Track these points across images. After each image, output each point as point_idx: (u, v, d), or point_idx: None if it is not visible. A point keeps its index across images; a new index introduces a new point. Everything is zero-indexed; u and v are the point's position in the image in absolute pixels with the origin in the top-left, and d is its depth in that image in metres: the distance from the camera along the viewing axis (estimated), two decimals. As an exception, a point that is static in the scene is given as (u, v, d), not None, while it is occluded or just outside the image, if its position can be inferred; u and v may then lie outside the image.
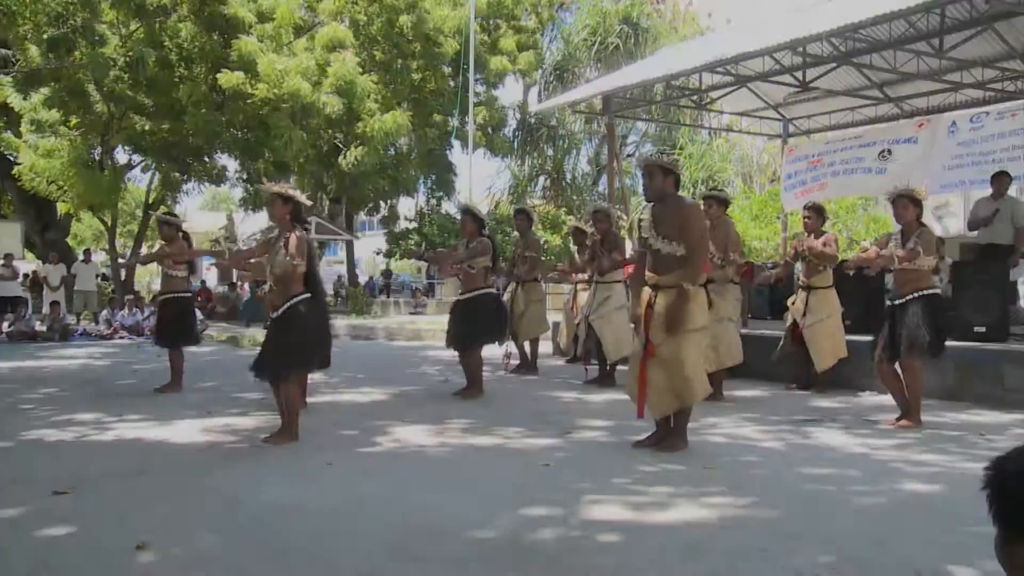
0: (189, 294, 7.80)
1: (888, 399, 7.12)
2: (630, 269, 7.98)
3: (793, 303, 7.54)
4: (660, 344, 4.75)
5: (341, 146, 19.83)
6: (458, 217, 23.19)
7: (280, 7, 17.19)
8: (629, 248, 7.99)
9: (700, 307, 4.81)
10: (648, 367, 4.78)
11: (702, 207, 6.85)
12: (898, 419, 5.87)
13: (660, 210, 4.83)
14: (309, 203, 5.40)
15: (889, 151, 11.64)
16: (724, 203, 7.09)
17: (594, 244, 8.02)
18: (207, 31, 16.72)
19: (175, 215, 8.15)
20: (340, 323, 15.99)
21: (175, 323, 7.49)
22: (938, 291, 5.86)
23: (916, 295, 5.71)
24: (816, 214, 7.36)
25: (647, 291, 4.89)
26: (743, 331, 8.60)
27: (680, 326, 4.69)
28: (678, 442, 4.91)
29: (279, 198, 5.24)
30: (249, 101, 16.57)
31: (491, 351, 10.19)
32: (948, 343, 7.20)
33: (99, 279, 19.15)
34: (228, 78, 15.93)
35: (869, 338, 7.71)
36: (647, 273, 4.91)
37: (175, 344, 7.52)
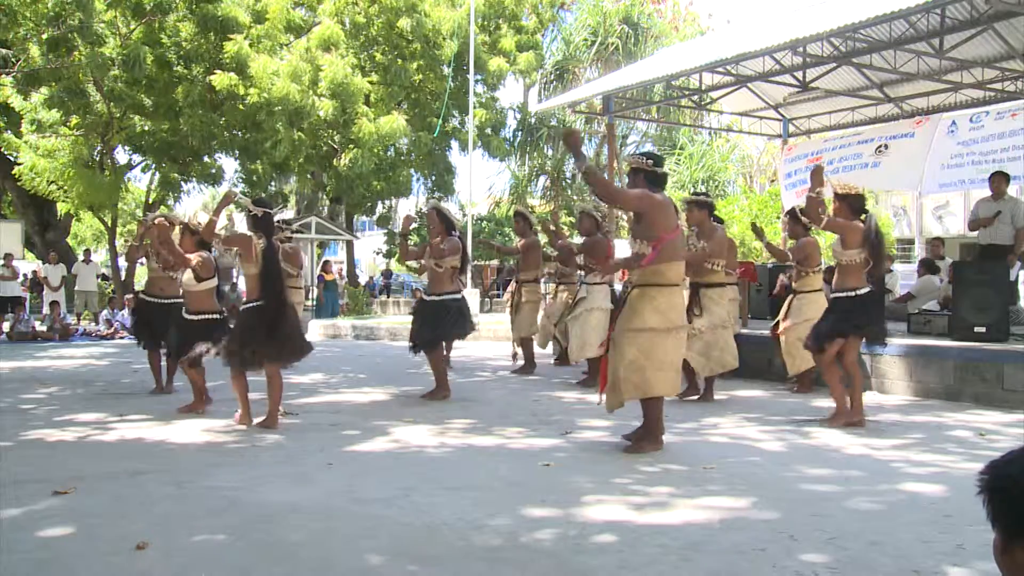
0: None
1: (888, 399, 7.14)
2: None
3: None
4: (614, 339, 4.85)
5: (337, 148, 19.83)
6: (457, 217, 23.31)
7: (272, 6, 17.17)
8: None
9: (653, 308, 4.75)
10: (606, 363, 4.95)
11: (683, 211, 6.81)
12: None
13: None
14: (257, 211, 5.66)
15: (885, 146, 11.66)
16: (706, 206, 6.88)
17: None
18: (203, 31, 16.71)
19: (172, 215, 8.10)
20: (342, 323, 16.02)
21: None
22: (852, 295, 5.73)
23: (840, 294, 5.76)
24: (792, 220, 7.28)
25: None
26: (744, 331, 8.62)
27: (628, 321, 4.78)
28: (647, 444, 4.87)
29: (245, 209, 5.76)
30: (244, 103, 16.57)
31: (495, 351, 10.23)
32: (947, 343, 7.24)
33: (99, 279, 19.16)
34: (221, 79, 15.92)
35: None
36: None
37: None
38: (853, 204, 5.72)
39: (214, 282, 6.42)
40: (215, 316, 6.39)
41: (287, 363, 5.95)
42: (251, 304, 5.64)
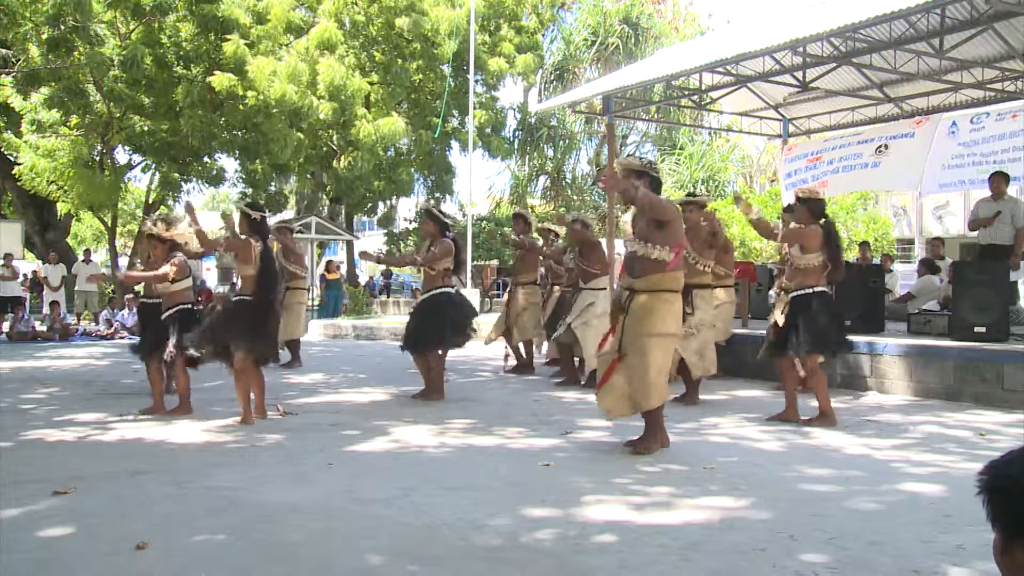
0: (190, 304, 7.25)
1: (888, 399, 7.14)
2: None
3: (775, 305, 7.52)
4: (628, 346, 4.75)
5: (336, 149, 19.81)
6: (457, 218, 23.30)
7: (273, 8, 17.16)
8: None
9: (672, 313, 4.78)
10: (615, 370, 4.78)
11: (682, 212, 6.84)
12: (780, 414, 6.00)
13: (637, 213, 4.85)
14: (256, 216, 6.12)
15: (885, 146, 11.66)
16: (703, 207, 7.01)
17: (569, 250, 8.07)
18: (204, 31, 16.70)
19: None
20: (342, 323, 16.01)
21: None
22: (811, 291, 5.87)
23: (799, 292, 5.85)
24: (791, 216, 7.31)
25: (621, 293, 4.91)
26: (743, 331, 8.63)
27: (651, 327, 4.69)
28: (650, 444, 4.87)
29: (240, 214, 6.20)
30: (243, 104, 16.56)
31: (494, 351, 10.23)
32: (947, 343, 7.24)
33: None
34: (220, 80, 15.91)
35: (869, 338, 7.76)
36: (623, 275, 4.95)
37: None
38: (813, 208, 5.84)
39: (189, 281, 6.43)
40: (187, 305, 6.36)
41: (259, 361, 6.13)
42: (243, 296, 6.01)
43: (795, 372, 6.05)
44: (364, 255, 7.73)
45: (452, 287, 7.13)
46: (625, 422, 5.48)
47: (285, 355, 9.97)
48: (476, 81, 19.87)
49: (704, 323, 6.84)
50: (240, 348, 5.90)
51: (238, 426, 5.82)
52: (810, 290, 5.78)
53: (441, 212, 7.35)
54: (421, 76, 20.19)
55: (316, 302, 19.08)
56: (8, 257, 16.07)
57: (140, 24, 16.24)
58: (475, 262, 21.37)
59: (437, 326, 6.92)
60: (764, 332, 8.11)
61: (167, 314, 6.36)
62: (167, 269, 6.21)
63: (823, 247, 5.72)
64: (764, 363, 7.91)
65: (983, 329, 7.17)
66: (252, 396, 6.05)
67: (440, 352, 7.13)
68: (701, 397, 6.95)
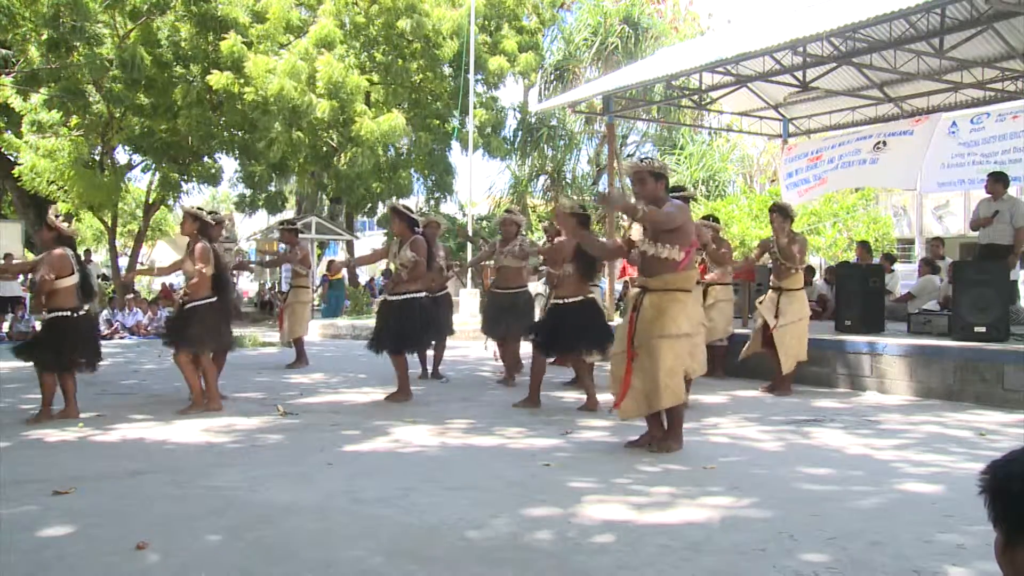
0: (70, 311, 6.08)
1: (889, 399, 7.14)
2: (630, 270, 8.00)
3: (761, 303, 7.51)
4: (640, 346, 4.74)
5: (336, 148, 19.81)
6: (457, 218, 23.27)
7: (272, 7, 17.15)
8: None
9: (685, 313, 4.79)
10: (631, 372, 4.78)
11: None
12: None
13: None
14: (213, 221, 6.54)
15: (884, 142, 11.66)
16: (688, 201, 7.03)
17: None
18: (202, 31, 16.69)
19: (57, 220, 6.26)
20: (342, 323, 16.01)
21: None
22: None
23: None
24: (781, 215, 7.30)
25: (635, 292, 4.93)
26: (744, 331, 8.63)
27: (662, 328, 4.69)
28: (673, 443, 4.90)
29: (188, 216, 6.39)
30: (240, 103, 16.54)
31: (494, 350, 10.22)
32: (947, 343, 7.25)
33: (99, 279, 19.16)
34: (217, 79, 15.91)
35: (869, 338, 7.77)
36: (637, 275, 4.96)
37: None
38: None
39: (74, 279, 5.94)
40: (66, 313, 5.92)
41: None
42: (206, 300, 6.30)
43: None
44: (333, 265, 8.06)
45: (421, 292, 6.98)
46: (627, 422, 5.47)
47: (290, 354, 9.99)
48: (476, 80, 19.87)
49: (700, 321, 6.82)
50: (205, 348, 6.34)
51: (211, 415, 6.18)
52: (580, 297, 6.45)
53: (407, 208, 7.17)
54: (422, 76, 20.18)
55: (317, 302, 19.08)
56: (8, 257, 16.05)
57: (138, 25, 16.25)
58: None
59: (400, 329, 6.82)
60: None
61: (45, 317, 5.96)
62: (47, 267, 5.73)
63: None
64: (764, 363, 7.93)
65: (983, 329, 7.17)
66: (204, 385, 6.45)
67: (403, 355, 7.09)
68: (702, 398, 6.95)
